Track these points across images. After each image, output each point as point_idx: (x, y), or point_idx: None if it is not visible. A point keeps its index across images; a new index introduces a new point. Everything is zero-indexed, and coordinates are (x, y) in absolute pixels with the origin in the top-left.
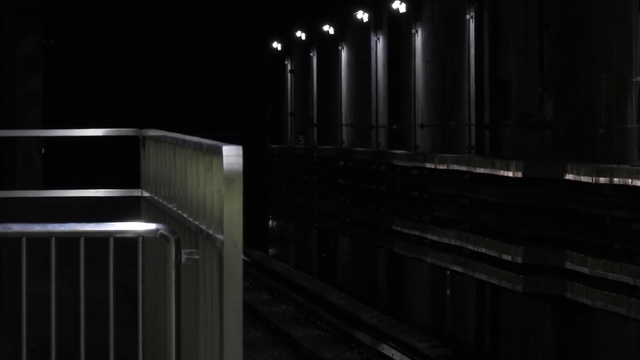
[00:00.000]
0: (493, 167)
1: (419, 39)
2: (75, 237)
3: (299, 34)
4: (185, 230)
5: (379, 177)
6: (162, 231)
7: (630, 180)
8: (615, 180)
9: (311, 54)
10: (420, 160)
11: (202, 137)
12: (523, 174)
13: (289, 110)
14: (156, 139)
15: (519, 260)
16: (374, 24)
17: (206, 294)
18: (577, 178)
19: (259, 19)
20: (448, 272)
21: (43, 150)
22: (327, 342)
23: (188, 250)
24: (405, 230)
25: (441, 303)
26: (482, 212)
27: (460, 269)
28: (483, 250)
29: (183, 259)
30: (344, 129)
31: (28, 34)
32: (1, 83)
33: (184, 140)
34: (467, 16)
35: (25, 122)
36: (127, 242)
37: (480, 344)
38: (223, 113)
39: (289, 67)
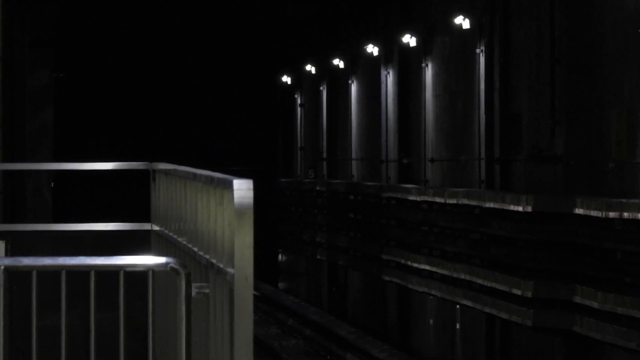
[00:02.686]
0: (503, 201)
1: (429, 73)
2: (85, 270)
3: (309, 67)
4: (195, 264)
5: (389, 212)
6: (172, 265)
7: None
8: (625, 214)
9: (321, 88)
10: (430, 194)
11: (213, 170)
12: (533, 208)
13: (299, 144)
14: (166, 172)
15: (529, 294)
16: (384, 58)
17: (217, 327)
18: (587, 212)
19: (270, 53)
20: (458, 306)
21: (53, 183)
22: None
23: (198, 284)
24: (415, 265)
25: (451, 337)
26: (492, 246)
27: (470, 303)
28: (493, 284)
29: (193, 293)
30: (354, 163)
31: (39, 67)
32: (13, 116)
33: (195, 174)
34: (478, 50)
35: (36, 155)
36: (137, 276)
37: None
38: (233, 146)
39: (299, 101)
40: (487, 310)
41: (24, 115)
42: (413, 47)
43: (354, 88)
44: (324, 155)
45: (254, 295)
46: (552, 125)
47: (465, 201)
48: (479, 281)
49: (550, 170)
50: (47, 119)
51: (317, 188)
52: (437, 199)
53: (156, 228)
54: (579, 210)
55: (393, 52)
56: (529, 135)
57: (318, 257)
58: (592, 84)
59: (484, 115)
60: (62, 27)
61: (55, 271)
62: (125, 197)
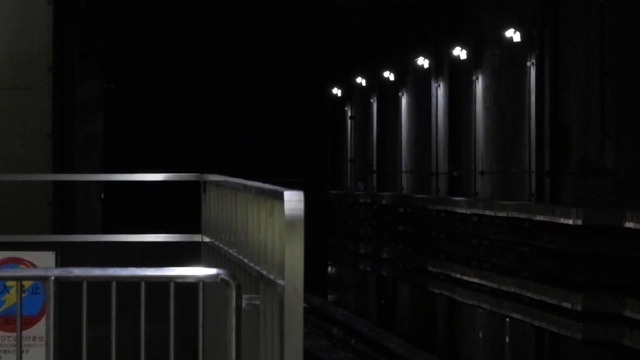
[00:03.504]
0: (553, 214)
1: (479, 85)
2: (135, 281)
3: (359, 79)
4: (245, 276)
5: (438, 224)
6: (222, 276)
7: None
8: None
9: (371, 100)
10: (480, 207)
11: (263, 182)
12: (583, 221)
13: (349, 156)
14: (217, 184)
15: (579, 307)
16: (435, 71)
17: (266, 339)
18: (637, 226)
19: (320, 65)
20: (507, 319)
21: (103, 194)
22: None
23: (249, 296)
24: (465, 278)
25: (500, 350)
26: (541, 259)
27: (519, 316)
28: (542, 297)
29: (244, 304)
30: (404, 175)
31: (89, 77)
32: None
33: (245, 185)
34: (528, 63)
35: (85, 166)
36: (187, 287)
37: None
38: (284, 158)
39: (349, 113)
40: (536, 323)
41: (73, 126)
42: (463, 60)
43: (404, 100)
44: (374, 167)
45: (304, 307)
46: (601, 138)
47: (515, 214)
48: (529, 294)
49: (599, 184)
50: (97, 129)
51: (367, 200)
52: (487, 212)
53: (206, 239)
54: (629, 224)
55: (443, 65)
56: (579, 148)
57: (367, 269)
58: None
59: (534, 128)
60: (112, 38)
61: (106, 282)
62: (176, 208)
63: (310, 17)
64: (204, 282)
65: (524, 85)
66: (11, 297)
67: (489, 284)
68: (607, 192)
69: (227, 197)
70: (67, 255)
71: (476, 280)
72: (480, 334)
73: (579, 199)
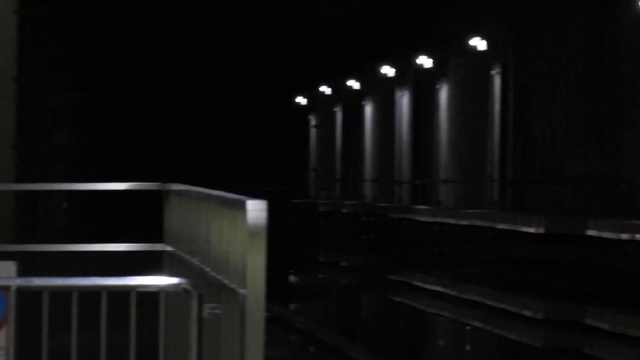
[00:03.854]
0: (516, 223)
1: (443, 94)
2: (97, 291)
3: (323, 88)
4: (207, 285)
5: (401, 233)
6: (184, 286)
7: None
8: (638, 236)
9: (335, 109)
10: (443, 215)
11: (226, 191)
12: (545, 229)
13: (313, 165)
14: (180, 193)
15: (540, 315)
16: (399, 79)
17: (228, 348)
18: (600, 234)
19: (284, 74)
20: (468, 327)
21: (65, 203)
22: None
23: (210, 305)
24: (427, 286)
25: (461, 359)
26: (504, 267)
27: (480, 325)
28: (504, 305)
29: (205, 314)
30: (367, 184)
31: (56, 87)
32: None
33: (208, 195)
34: (493, 71)
35: (49, 176)
36: (149, 296)
37: None
38: (247, 168)
39: (313, 122)
40: (497, 331)
41: (38, 137)
42: (428, 69)
43: (368, 109)
44: (338, 176)
45: (266, 316)
46: (565, 147)
47: (478, 222)
48: (490, 302)
49: (563, 192)
50: (62, 140)
51: (330, 209)
52: (450, 220)
53: (169, 249)
54: (591, 232)
55: (408, 74)
56: (543, 156)
57: (330, 277)
58: (607, 105)
59: (498, 137)
60: (78, 49)
61: (67, 292)
62: (138, 217)
63: (275, 27)
64: (165, 292)
65: (489, 94)
66: None
67: (451, 292)
68: (571, 200)
69: (189, 207)
70: (29, 265)
71: (438, 289)
72: (442, 342)
73: (543, 208)
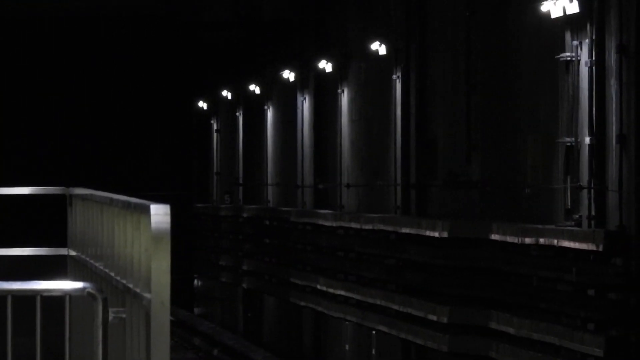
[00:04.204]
0: (419, 227)
1: (345, 98)
2: (1, 295)
3: (225, 93)
4: (112, 289)
5: (304, 237)
6: (89, 290)
7: (555, 241)
8: (541, 240)
9: (237, 114)
10: (346, 220)
11: (130, 196)
12: (449, 233)
13: (215, 170)
14: (83, 197)
15: (445, 320)
16: (300, 84)
17: (133, 352)
18: (503, 238)
19: (185, 78)
20: (374, 332)
21: None
22: None
23: (115, 309)
24: (331, 290)
25: None
26: (408, 272)
27: (386, 329)
28: (409, 310)
29: (110, 318)
30: (270, 188)
31: None
32: None
33: (111, 199)
34: (394, 76)
35: None
36: (54, 301)
37: None
38: (150, 172)
39: (215, 127)
40: (402, 335)
41: None
42: (329, 73)
43: (270, 113)
44: (240, 180)
45: (170, 320)
46: (467, 151)
47: (381, 227)
48: (395, 307)
49: (466, 196)
50: None
51: (233, 213)
52: (353, 225)
53: (73, 253)
54: (495, 236)
55: (309, 78)
56: (445, 161)
57: (233, 282)
58: (507, 110)
59: (400, 141)
60: None
61: None
62: (42, 221)
63: (176, 30)
64: (70, 296)
65: (390, 98)
66: None
67: (355, 296)
68: (474, 204)
69: (93, 211)
70: None
71: (342, 293)
72: (347, 347)
73: (446, 212)
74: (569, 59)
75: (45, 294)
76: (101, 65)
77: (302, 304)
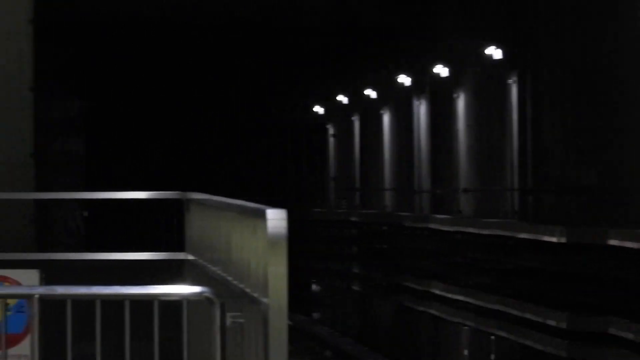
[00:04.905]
0: (537, 232)
1: (461, 103)
2: (119, 299)
3: (340, 98)
4: (230, 294)
5: (422, 242)
6: (206, 294)
7: None
8: None
9: (353, 118)
10: (464, 225)
11: (246, 200)
12: (567, 239)
13: (332, 175)
14: (200, 202)
15: (564, 325)
16: (416, 88)
17: (251, 357)
18: (622, 244)
19: (302, 83)
20: (492, 337)
21: (86, 213)
22: None
23: (233, 314)
24: (449, 295)
25: None
26: (526, 277)
27: (504, 334)
28: (527, 315)
29: (228, 322)
30: (387, 193)
31: (70, 96)
32: (44, 145)
33: (228, 204)
34: (510, 80)
35: (68, 184)
36: (171, 305)
37: None
38: (266, 177)
39: (331, 131)
40: (521, 341)
41: (55, 145)
42: (444, 78)
43: (386, 118)
44: (357, 185)
45: (288, 325)
46: (581, 156)
47: (499, 232)
48: (514, 312)
49: (580, 202)
50: (79, 148)
51: (350, 218)
52: (471, 230)
53: (190, 257)
54: (613, 242)
55: (425, 82)
56: (560, 166)
57: (351, 287)
58: (619, 117)
59: (517, 146)
60: (92, 57)
61: (90, 300)
62: (159, 226)
63: (292, 36)
64: (187, 300)
65: (505, 102)
66: None
67: (473, 301)
68: (587, 210)
69: (210, 216)
70: (52, 274)
71: (461, 298)
72: (465, 352)
73: (560, 217)
74: None
75: (162, 298)
76: (220, 71)
77: (420, 309)
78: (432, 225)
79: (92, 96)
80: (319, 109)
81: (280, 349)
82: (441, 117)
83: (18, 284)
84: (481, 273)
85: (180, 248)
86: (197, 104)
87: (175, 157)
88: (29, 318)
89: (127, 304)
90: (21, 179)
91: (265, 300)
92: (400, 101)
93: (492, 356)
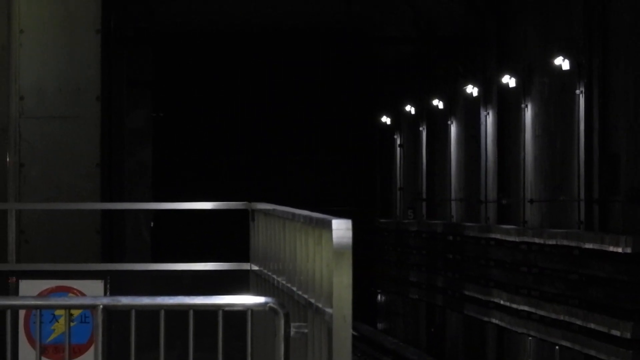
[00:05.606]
0: (602, 242)
1: (528, 113)
2: (184, 310)
3: (408, 108)
4: (294, 304)
5: (487, 252)
6: (271, 304)
7: None
8: None
9: (420, 128)
10: (529, 235)
11: (311, 210)
12: (633, 249)
13: (398, 185)
14: (265, 212)
15: (628, 335)
16: (484, 99)
17: None
18: None
19: (369, 94)
20: (557, 347)
21: (152, 223)
22: None
23: (297, 324)
24: (514, 305)
25: None
26: (591, 287)
27: (569, 344)
28: (592, 325)
29: (292, 333)
30: (453, 203)
31: (138, 106)
32: (111, 155)
33: (294, 214)
34: (577, 91)
35: (134, 195)
36: (236, 315)
37: None
38: (332, 187)
39: (398, 141)
40: (585, 351)
41: (122, 155)
42: (512, 88)
43: (453, 128)
44: (423, 195)
45: (353, 335)
46: None
47: (565, 242)
48: (578, 322)
49: None
50: (146, 158)
51: (416, 228)
52: (536, 240)
53: (255, 268)
54: None
55: (492, 93)
56: (628, 176)
57: (416, 297)
58: None
59: (583, 156)
60: (160, 68)
61: (154, 310)
62: (224, 236)
63: (359, 46)
64: (252, 311)
65: (573, 113)
66: (60, 326)
67: (538, 311)
68: None
69: (275, 226)
70: (116, 284)
71: (526, 308)
72: None
73: (628, 227)
74: None
75: (227, 308)
76: (283, 81)
77: (485, 319)
78: (497, 236)
79: (162, 107)
80: (386, 119)
81: (344, 358)
82: (508, 127)
83: (82, 294)
84: (546, 283)
85: (245, 258)
86: (266, 116)
87: (244, 168)
88: (93, 328)
89: (191, 314)
90: (88, 189)
91: (329, 310)
92: (467, 111)
93: None
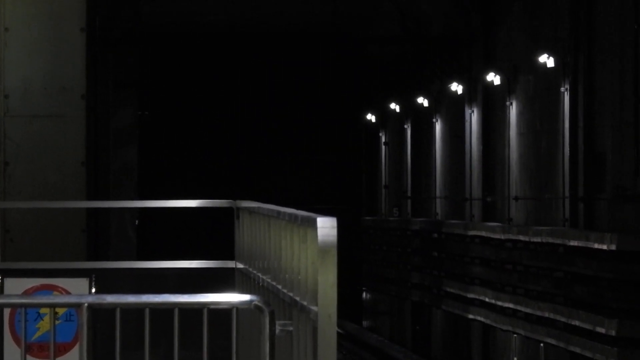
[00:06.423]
0: (587, 240)
1: (513, 111)
2: (169, 308)
3: (393, 106)
4: (279, 302)
5: (472, 250)
6: (256, 302)
7: None
8: None
9: (405, 126)
10: (514, 232)
11: (296, 208)
12: (617, 247)
13: (383, 183)
14: (250, 210)
15: (613, 333)
16: (469, 97)
17: None
18: None
19: (354, 92)
20: (542, 344)
21: (137, 221)
22: None
23: (282, 322)
24: (499, 303)
25: None
26: (576, 285)
27: (553, 342)
28: (576, 322)
29: (277, 331)
30: (438, 201)
31: (123, 106)
32: (96, 154)
33: (279, 212)
34: (562, 89)
35: (120, 193)
36: (221, 313)
37: None
38: (317, 185)
39: (383, 139)
40: (570, 348)
41: (107, 154)
42: (497, 86)
43: (438, 126)
44: (408, 193)
45: (338, 333)
46: (636, 165)
47: (550, 240)
48: (563, 319)
49: (634, 210)
50: (131, 157)
51: (401, 226)
52: (521, 237)
53: (240, 266)
54: None
55: (477, 91)
56: (613, 174)
57: (401, 295)
58: None
59: (568, 154)
60: (145, 68)
61: (139, 309)
62: (209, 234)
63: (345, 45)
64: (237, 309)
65: (558, 111)
66: (45, 324)
67: (523, 309)
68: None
69: (260, 224)
70: (101, 282)
71: (511, 306)
72: (515, 359)
73: (613, 225)
74: None
75: (212, 306)
76: (270, 79)
77: (470, 316)
78: (482, 233)
79: (147, 106)
80: (371, 117)
81: (329, 357)
82: (493, 125)
83: (67, 292)
84: (531, 281)
85: (231, 257)
86: (250, 114)
87: (228, 166)
88: (78, 327)
89: (176, 312)
90: (73, 188)
91: (314, 308)
92: (452, 109)
93: None
